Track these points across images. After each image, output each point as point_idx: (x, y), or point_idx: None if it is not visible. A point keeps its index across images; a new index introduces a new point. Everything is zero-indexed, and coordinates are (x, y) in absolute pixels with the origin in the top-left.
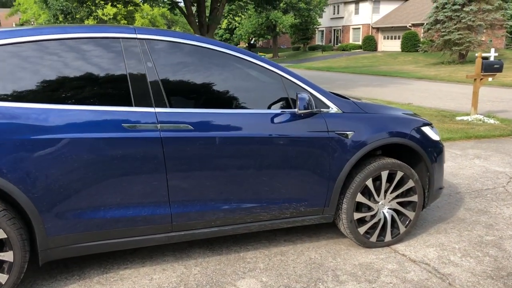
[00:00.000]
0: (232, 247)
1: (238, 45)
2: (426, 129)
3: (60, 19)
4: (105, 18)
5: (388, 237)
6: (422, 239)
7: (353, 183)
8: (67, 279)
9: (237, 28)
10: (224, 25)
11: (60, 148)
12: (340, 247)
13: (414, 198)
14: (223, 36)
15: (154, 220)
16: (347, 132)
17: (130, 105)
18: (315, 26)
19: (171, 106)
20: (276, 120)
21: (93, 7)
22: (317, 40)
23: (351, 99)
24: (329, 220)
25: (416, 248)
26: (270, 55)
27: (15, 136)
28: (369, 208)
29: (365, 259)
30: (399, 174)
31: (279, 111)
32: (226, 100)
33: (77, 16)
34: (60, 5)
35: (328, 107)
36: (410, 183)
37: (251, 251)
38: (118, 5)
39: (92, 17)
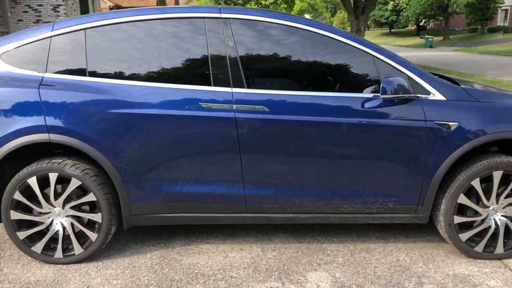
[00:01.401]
0: (317, 236)
1: (406, 28)
2: None
3: (222, 3)
4: (266, 2)
5: (499, 249)
6: None
7: (455, 182)
8: (154, 246)
9: (404, 10)
10: (390, 7)
11: (142, 122)
12: (437, 252)
13: None
14: (389, 18)
15: (228, 199)
16: (449, 123)
17: (209, 84)
18: (496, 5)
19: (249, 87)
20: (361, 105)
21: None
22: (499, 21)
23: (462, 85)
24: (424, 221)
25: None
26: (440, 38)
27: (104, 110)
28: (476, 213)
29: (463, 270)
30: None
31: (367, 95)
32: (307, 82)
33: (238, 1)
34: None
35: (428, 92)
36: None
37: (335, 243)
38: None
39: (253, 1)
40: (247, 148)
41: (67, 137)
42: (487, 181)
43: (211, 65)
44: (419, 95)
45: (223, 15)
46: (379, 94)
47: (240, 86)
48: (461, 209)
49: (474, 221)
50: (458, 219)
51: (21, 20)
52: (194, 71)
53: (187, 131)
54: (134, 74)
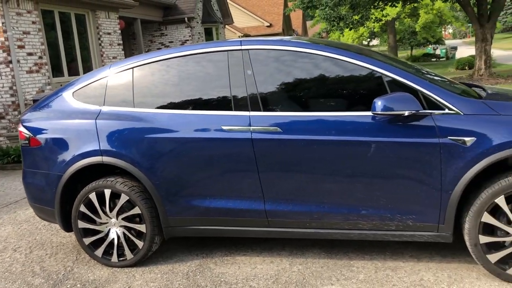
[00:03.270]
0: (350, 253)
1: None
2: None
3: (341, 24)
4: (386, 18)
5: None
6: None
7: (477, 200)
8: (197, 255)
9: None
10: None
11: (172, 145)
12: (469, 274)
13: None
14: None
15: (251, 214)
16: (465, 138)
17: (230, 109)
18: None
19: (264, 110)
20: (370, 123)
21: (371, 10)
22: None
23: (488, 97)
24: (448, 240)
25: None
26: None
27: (142, 135)
28: (507, 233)
29: None
30: None
31: (370, 113)
32: (316, 104)
33: (354, 18)
34: (324, 14)
35: (442, 107)
36: None
37: (365, 260)
38: (396, 4)
39: (372, 19)
40: (264, 167)
41: (115, 159)
42: None
43: (232, 92)
44: (431, 111)
45: (243, 47)
46: (385, 112)
47: (257, 109)
48: (488, 229)
49: (507, 242)
50: (484, 239)
51: None
52: (217, 98)
53: (211, 152)
54: (166, 103)
